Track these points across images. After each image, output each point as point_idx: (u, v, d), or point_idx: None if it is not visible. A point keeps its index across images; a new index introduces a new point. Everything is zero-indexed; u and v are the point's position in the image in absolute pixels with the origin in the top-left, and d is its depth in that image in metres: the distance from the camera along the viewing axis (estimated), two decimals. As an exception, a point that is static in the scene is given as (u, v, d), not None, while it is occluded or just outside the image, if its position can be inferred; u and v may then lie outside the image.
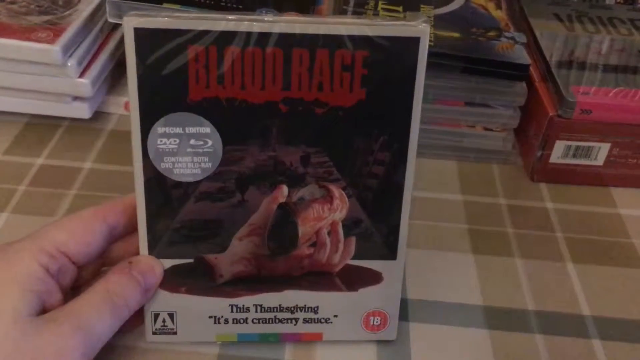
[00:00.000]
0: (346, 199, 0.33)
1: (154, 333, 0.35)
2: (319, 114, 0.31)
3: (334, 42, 0.30)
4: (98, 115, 0.53)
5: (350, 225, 0.34)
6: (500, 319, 0.39)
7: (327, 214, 0.33)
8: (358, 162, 0.33)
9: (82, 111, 0.50)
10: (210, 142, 0.32)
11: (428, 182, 0.49)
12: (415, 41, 0.30)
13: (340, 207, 0.33)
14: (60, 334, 0.29)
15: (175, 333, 0.36)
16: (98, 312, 0.31)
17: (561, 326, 0.39)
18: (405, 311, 0.39)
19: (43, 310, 0.31)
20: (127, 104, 0.53)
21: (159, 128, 0.31)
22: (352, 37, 0.30)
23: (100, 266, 0.35)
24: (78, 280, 0.34)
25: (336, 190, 0.33)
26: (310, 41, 0.30)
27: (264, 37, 0.30)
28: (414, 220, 0.45)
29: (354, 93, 0.31)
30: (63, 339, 0.29)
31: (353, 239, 0.34)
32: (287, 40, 0.30)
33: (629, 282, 0.42)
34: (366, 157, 0.32)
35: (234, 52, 0.30)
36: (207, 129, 0.31)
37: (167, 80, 0.30)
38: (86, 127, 0.52)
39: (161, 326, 0.35)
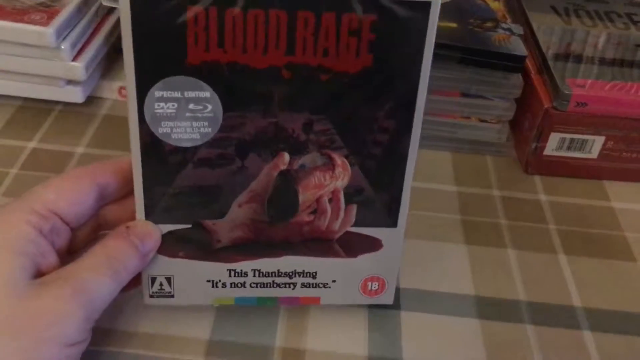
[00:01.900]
0: (348, 167, 0.33)
1: (151, 296, 0.35)
2: (323, 80, 0.30)
3: (341, 4, 0.29)
4: (92, 100, 0.53)
5: (352, 193, 0.33)
6: (492, 309, 0.39)
7: (328, 181, 0.33)
8: (362, 130, 0.32)
9: (76, 95, 0.50)
10: (210, 107, 0.31)
11: (422, 173, 0.49)
12: (426, 6, 0.29)
13: (342, 175, 0.33)
14: (59, 297, 0.28)
15: (172, 296, 0.35)
16: (98, 275, 0.30)
17: (552, 317, 0.39)
18: (397, 300, 0.39)
19: (39, 273, 0.30)
20: (120, 89, 0.53)
21: (156, 92, 0.30)
22: (360, 0, 0.29)
23: (96, 229, 0.35)
24: (74, 243, 0.33)
25: (338, 158, 0.32)
26: (316, 3, 0.29)
27: None
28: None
29: (360, 59, 0.30)
30: (63, 302, 0.28)
31: (354, 207, 0.34)
32: (291, 2, 0.29)
33: (620, 275, 0.42)
34: (370, 125, 0.32)
35: (236, 14, 0.29)
36: (206, 93, 0.30)
37: (165, 42, 0.29)
38: (79, 111, 0.52)
39: (158, 289, 0.35)
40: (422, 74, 0.31)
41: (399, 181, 0.33)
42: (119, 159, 0.34)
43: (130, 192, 0.33)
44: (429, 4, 0.29)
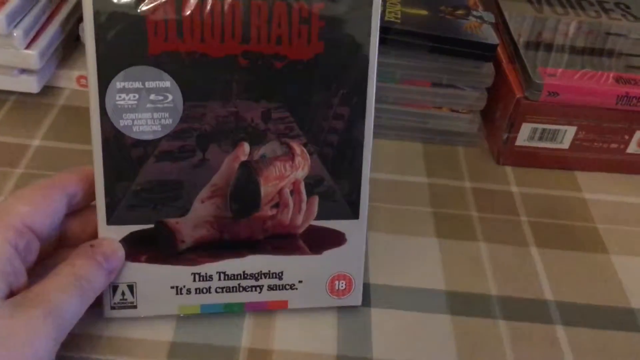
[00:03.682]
0: (307, 156, 0.33)
1: (112, 308, 0.34)
2: (278, 67, 0.31)
3: None
4: (48, 89, 0.50)
5: (313, 183, 0.34)
6: (463, 304, 0.38)
7: (289, 172, 0.33)
8: (318, 117, 0.33)
9: (31, 85, 0.48)
10: (170, 97, 0.31)
11: (393, 164, 0.48)
12: None
13: (302, 164, 0.33)
14: (32, 318, 0.28)
15: (135, 307, 0.34)
16: (68, 296, 0.30)
17: (524, 311, 0.38)
18: (367, 297, 0.38)
19: (10, 293, 0.29)
20: (79, 78, 0.51)
21: (117, 83, 0.31)
22: None
23: (57, 241, 0.34)
24: (40, 255, 0.33)
25: (297, 147, 0.33)
26: None
27: None
28: (377, 203, 0.44)
29: (312, 46, 0.31)
30: (35, 324, 0.28)
31: (316, 198, 0.34)
32: None
33: (592, 267, 0.42)
34: (326, 111, 0.32)
35: (193, 4, 0.30)
36: (167, 82, 0.31)
37: (126, 33, 0.30)
38: (35, 102, 0.49)
39: (120, 300, 0.34)
40: (370, 59, 0.32)
41: (357, 169, 0.34)
42: (85, 167, 0.33)
43: (92, 199, 0.33)
44: None
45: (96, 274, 0.32)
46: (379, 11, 0.31)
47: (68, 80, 0.51)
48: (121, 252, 0.33)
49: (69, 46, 0.52)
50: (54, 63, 0.50)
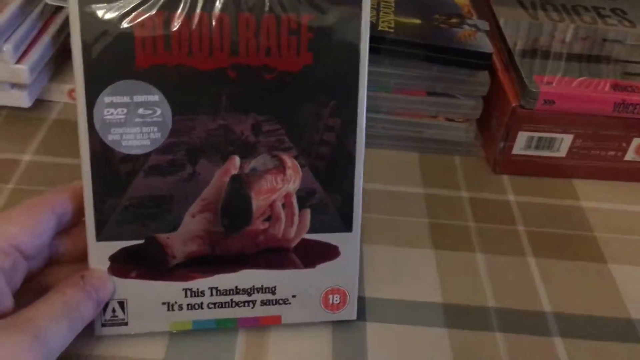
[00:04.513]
0: (299, 168, 0.33)
1: (103, 325, 0.34)
2: (268, 79, 0.31)
3: (279, 6, 0.30)
4: (40, 103, 0.50)
5: (305, 196, 0.33)
6: (460, 317, 0.38)
7: (280, 185, 0.33)
8: (309, 129, 0.32)
9: (22, 99, 0.47)
10: (159, 111, 0.31)
11: (388, 174, 0.47)
12: (357, 3, 0.31)
13: (293, 177, 0.33)
14: (17, 343, 0.28)
15: (126, 324, 0.34)
16: (57, 324, 0.30)
17: (522, 324, 0.38)
18: (362, 310, 0.37)
19: None
20: (71, 92, 0.50)
21: (105, 97, 0.30)
22: (297, 1, 0.30)
23: (47, 260, 0.33)
24: (27, 275, 0.32)
25: (288, 160, 0.32)
26: (256, 5, 0.30)
27: (209, 2, 0.30)
28: (373, 215, 0.43)
29: (301, 57, 0.31)
30: (20, 349, 0.28)
31: (308, 212, 0.33)
32: (232, 5, 0.30)
33: (590, 277, 0.41)
34: (316, 123, 0.32)
35: (180, 18, 0.30)
36: (155, 96, 0.31)
37: (113, 47, 0.30)
38: (27, 116, 0.49)
39: (111, 317, 0.34)
40: (360, 70, 0.32)
41: (350, 181, 0.33)
42: (74, 184, 0.33)
43: (81, 221, 0.32)
44: (360, 1, 0.31)
45: (86, 304, 0.31)
46: (368, 21, 0.31)
47: (59, 93, 0.51)
48: (111, 284, 0.33)
49: (60, 59, 0.51)
50: (45, 77, 0.50)
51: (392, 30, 0.46)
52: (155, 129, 0.31)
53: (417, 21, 0.48)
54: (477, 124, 0.50)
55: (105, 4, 0.29)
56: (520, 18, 0.54)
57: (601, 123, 0.46)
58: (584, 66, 0.48)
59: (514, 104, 0.45)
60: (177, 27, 0.30)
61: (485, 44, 0.46)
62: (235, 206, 0.33)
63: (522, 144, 0.47)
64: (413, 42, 0.46)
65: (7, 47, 0.44)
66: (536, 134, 0.46)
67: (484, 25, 0.49)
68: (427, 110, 0.48)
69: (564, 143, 0.47)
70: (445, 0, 0.51)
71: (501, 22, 0.53)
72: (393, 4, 0.49)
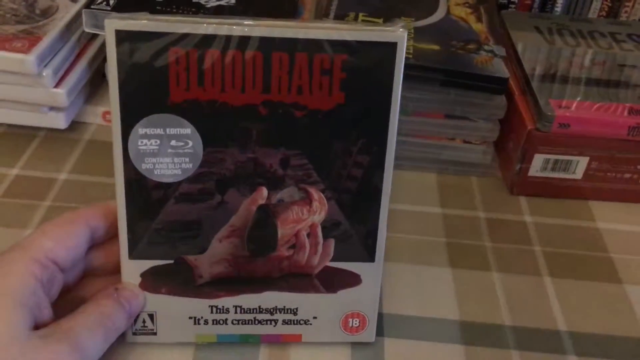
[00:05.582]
0: (325, 201, 0.33)
1: (134, 333, 0.36)
2: (298, 116, 0.32)
3: (312, 46, 0.31)
4: (75, 125, 0.52)
5: (330, 227, 0.34)
6: (476, 334, 0.39)
7: (306, 215, 0.34)
8: (337, 165, 0.33)
9: (59, 121, 0.50)
10: (190, 143, 0.32)
11: (407, 195, 0.49)
12: (392, 46, 0.31)
13: (319, 209, 0.34)
14: (57, 352, 0.29)
15: (155, 334, 0.36)
16: (93, 334, 0.31)
17: (537, 342, 0.38)
18: (380, 326, 0.38)
19: (35, 326, 0.30)
20: (105, 114, 0.53)
21: (140, 129, 0.32)
22: (330, 42, 0.30)
23: (82, 272, 0.35)
24: (63, 288, 0.34)
25: (315, 193, 0.33)
26: (290, 45, 0.30)
27: (243, 40, 0.30)
28: (392, 233, 0.45)
29: (333, 96, 0.31)
30: (60, 357, 0.29)
31: (332, 241, 0.34)
32: (266, 44, 0.30)
33: (606, 297, 0.42)
34: (345, 160, 0.33)
35: (214, 55, 0.30)
36: (187, 130, 0.32)
37: (148, 81, 0.31)
38: (63, 137, 0.52)
39: (141, 327, 0.35)
40: (391, 110, 0.32)
41: (375, 215, 0.34)
42: (107, 202, 0.35)
43: (115, 234, 0.34)
44: (395, 44, 0.31)
45: (119, 315, 0.33)
46: (403, 61, 0.31)
47: (94, 115, 0.53)
48: (142, 297, 0.35)
49: (95, 83, 0.54)
50: (81, 99, 0.52)
51: (410, 56, 0.47)
52: (187, 159, 0.32)
53: (436, 47, 0.49)
54: (494, 146, 0.51)
55: (141, 42, 0.30)
56: (538, 43, 0.55)
57: (616, 146, 0.47)
58: (599, 91, 0.49)
59: (529, 127, 0.47)
60: (211, 64, 0.31)
61: (501, 69, 0.48)
62: (261, 233, 0.34)
63: (538, 165, 0.48)
64: (432, 68, 0.47)
65: (47, 72, 0.47)
66: (552, 157, 0.47)
67: (501, 50, 0.50)
68: (445, 132, 0.50)
69: (579, 165, 0.48)
70: (463, 26, 0.53)
71: (519, 47, 0.54)
72: (413, 31, 0.51)
